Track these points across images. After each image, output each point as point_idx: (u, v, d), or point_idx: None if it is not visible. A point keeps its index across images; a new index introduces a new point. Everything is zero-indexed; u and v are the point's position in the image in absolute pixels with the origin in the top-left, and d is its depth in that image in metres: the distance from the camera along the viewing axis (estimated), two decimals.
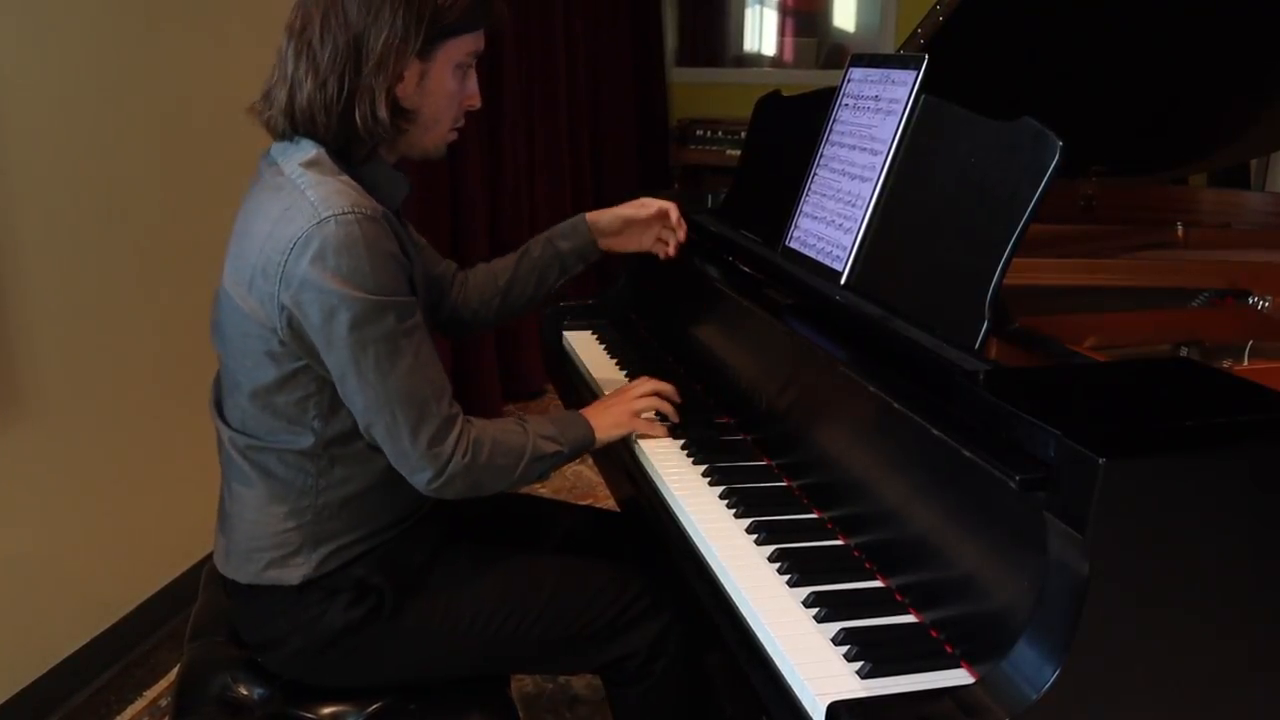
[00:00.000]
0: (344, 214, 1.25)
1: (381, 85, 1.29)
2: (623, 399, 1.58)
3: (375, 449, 1.36)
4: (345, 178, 1.30)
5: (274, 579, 1.39)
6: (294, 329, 1.28)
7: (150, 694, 2.29)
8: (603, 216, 1.76)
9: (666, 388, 1.61)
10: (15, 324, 2.05)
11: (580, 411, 1.55)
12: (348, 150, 1.34)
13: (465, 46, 1.35)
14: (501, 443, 1.40)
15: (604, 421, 1.54)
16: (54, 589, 2.21)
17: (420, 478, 1.34)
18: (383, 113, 1.29)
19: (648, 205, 1.77)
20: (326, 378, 1.32)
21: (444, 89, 1.35)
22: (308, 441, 1.35)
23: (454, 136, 1.43)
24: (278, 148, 1.35)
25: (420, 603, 1.44)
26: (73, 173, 2.17)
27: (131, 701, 2.27)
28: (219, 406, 1.43)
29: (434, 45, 1.31)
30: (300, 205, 1.26)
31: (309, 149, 1.31)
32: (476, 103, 1.42)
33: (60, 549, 2.21)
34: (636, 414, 1.57)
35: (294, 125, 1.32)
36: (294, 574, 1.38)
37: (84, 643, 2.29)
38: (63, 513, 2.21)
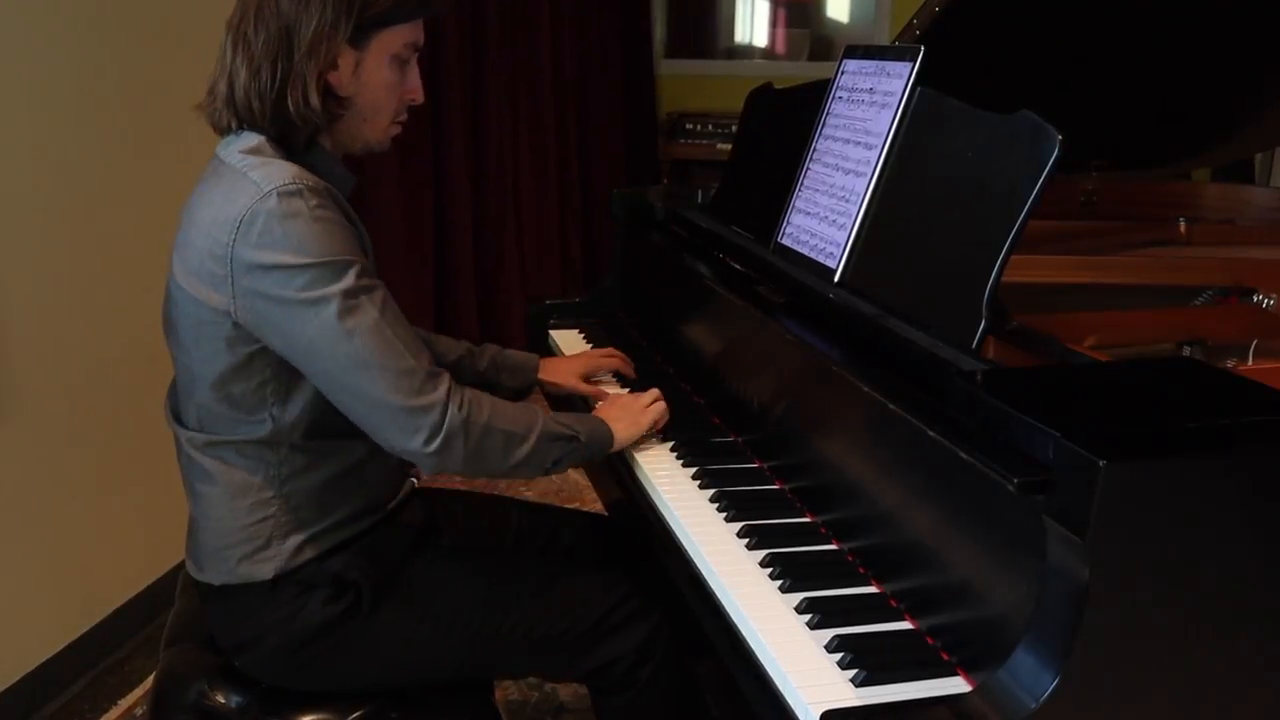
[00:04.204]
0: (286, 185, 1.26)
1: (313, 72, 1.30)
2: (637, 405, 1.56)
3: (338, 438, 1.35)
4: (288, 161, 1.32)
5: (246, 575, 1.37)
6: (248, 309, 1.28)
7: (125, 703, 2.27)
8: (550, 381, 1.78)
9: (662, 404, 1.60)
10: None
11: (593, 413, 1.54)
12: (287, 138, 1.35)
13: (401, 37, 1.36)
14: (505, 409, 1.37)
15: (621, 424, 1.52)
16: (25, 595, 2.18)
17: (415, 442, 1.29)
18: (314, 99, 1.31)
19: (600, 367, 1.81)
20: (282, 361, 1.31)
21: (380, 80, 1.36)
22: (266, 430, 1.34)
23: (396, 130, 1.44)
24: (222, 142, 1.37)
25: (400, 600, 1.42)
26: (46, 175, 2.16)
27: (105, 710, 2.25)
28: (175, 412, 1.43)
29: (367, 35, 1.33)
30: (242, 186, 1.27)
31: (251, 138, 1.33)
32: (419, 97, 1.42)
33: (32, 554, 2.19)
34: (652, 422, 1.56)
35: (236, 116, 1.34)
36: (266, 568, 1.37)
37: (57, 650, 2.27)
38: (34, 517, 2.19)
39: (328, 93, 1.33)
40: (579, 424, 1.45)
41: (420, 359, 1.30)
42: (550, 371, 1.78)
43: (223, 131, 1.36)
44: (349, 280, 1.26)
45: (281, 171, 1.27)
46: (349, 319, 1.25)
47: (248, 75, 1.30)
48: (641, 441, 1.56)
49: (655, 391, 1.60)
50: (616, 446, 1.51)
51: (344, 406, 1.30)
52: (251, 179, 1.27)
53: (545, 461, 1.40)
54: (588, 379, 1.78)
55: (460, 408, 1.31)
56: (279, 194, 1.25)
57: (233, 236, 1.25)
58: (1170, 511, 0.91)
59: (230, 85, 1.32)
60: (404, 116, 1.43)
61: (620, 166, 4.40)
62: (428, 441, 1.29)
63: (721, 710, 1.61)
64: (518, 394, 1.76)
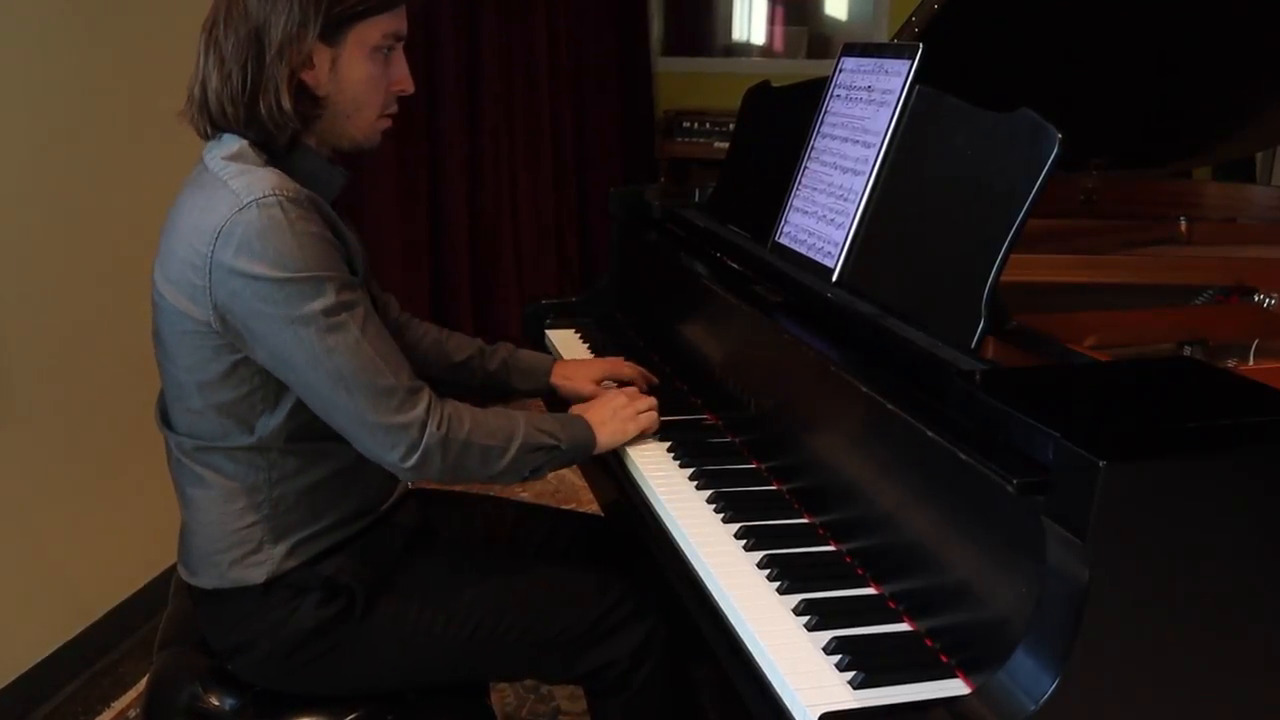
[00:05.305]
0: (265, 197, 1.24)
1: (284, 74, 1.28)
2: (628, 410, 1.54)
3: (329, 440, 1.35)
4: (271, 167, 1.29)
5: (238, 579, 1.37)
6: (228, 321, 1.27)
7: (118, 705, 2.26)
8: (566, 384, 1.72)
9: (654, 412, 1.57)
10: None
11: (579, 413, 1.51)
12: (269, 142, 1.32)
13: (379, 29, 1.32)
14: (485, 422, 1.36)
15: (606, 429, 1.50)
16: (19, 597, 2.17)
17: (393, 456, 1.30)
18: (286, 102, 1.28)
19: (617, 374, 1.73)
20: (268, 370, 1.30)
21: (360, 74, 1.33)
22: (255, 436, 1.34)
23: (386, 124, 1.41)
24: (207, 146, 1.35)
25: (393, 603, 1.41)
26: (43, 179, 2.15)
27: (99, 713, 2.24)
28: (164, 417, 1.42)
29: (340, 30, 1.30)
30: (222, 195, 1.25)
31: (232, 143, 1.31)
32: (407, 87, 1.39)
33: (26, 556, 2.18)
34: (640, 430, 1.54)
35: (211, 121, 1.32)
36: (258, 572, 1.36)
37: (50, 652, 2.26)
38: (28, 519, 2.18)
39: (304, 93, 1.30)
40: (561, 431, 1.44)
41: (400, 375, 1.30)
42: (565, 375, 1.74)
43: (203, 136, 1.34)
44: (329, 297, 1.25)
45: (261, 182, 1.25)
46: (330, 337, 1.25)
47: (219, 79, 1.28)
48: (638, 441, 1.55)
49: (652, 400, 1.58)
50: (598, 451, 1.50)
51: (324, 417, 1.30)
52: (231, 188, 1.25)
53: (524, 470, 1.40)
54: (602, 384, 1.72)
55: (439, 425, 1.31)
56: (258, 205, 1.23)
57: (211, 247, 1.24)
58: (1170, 512, 0.90)
59: (204, 90, 1.30)
60: (393, 109, 1.40)
61: (617, 165, 4.39)
62: (405, 457, 1.30)
63: (719, 713, 1.60)
64: (530, 396, 1.74)
